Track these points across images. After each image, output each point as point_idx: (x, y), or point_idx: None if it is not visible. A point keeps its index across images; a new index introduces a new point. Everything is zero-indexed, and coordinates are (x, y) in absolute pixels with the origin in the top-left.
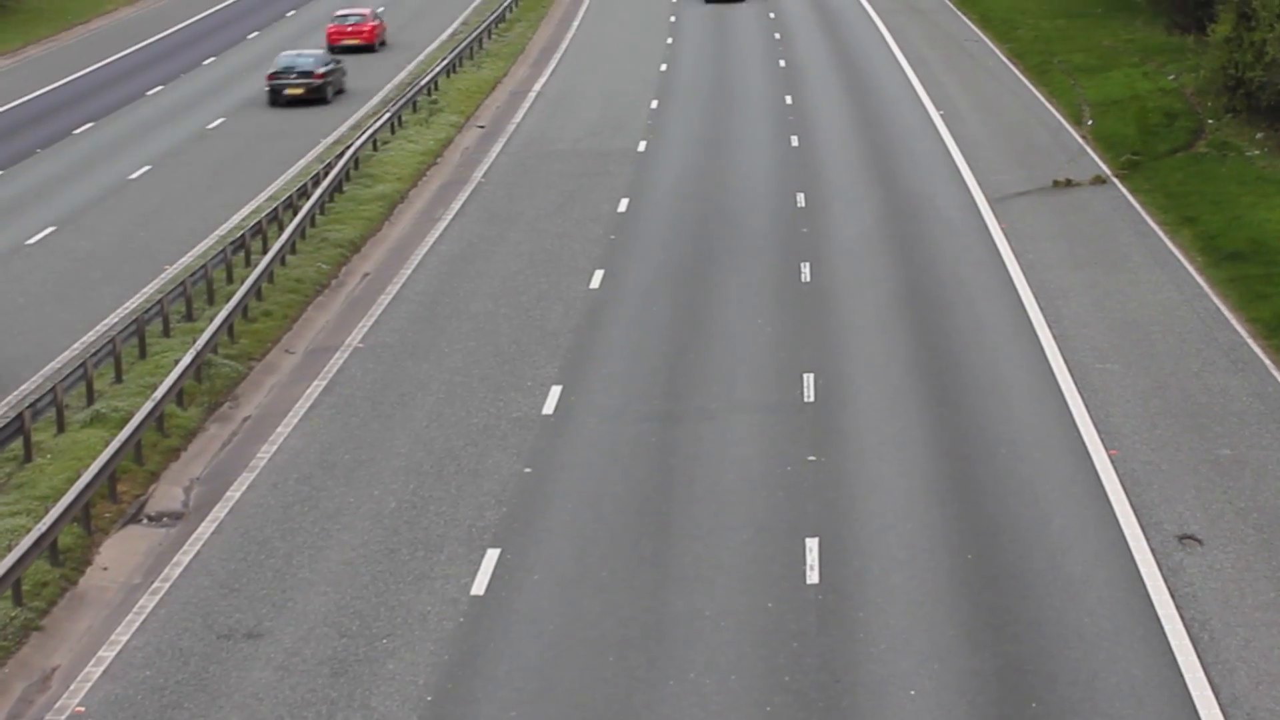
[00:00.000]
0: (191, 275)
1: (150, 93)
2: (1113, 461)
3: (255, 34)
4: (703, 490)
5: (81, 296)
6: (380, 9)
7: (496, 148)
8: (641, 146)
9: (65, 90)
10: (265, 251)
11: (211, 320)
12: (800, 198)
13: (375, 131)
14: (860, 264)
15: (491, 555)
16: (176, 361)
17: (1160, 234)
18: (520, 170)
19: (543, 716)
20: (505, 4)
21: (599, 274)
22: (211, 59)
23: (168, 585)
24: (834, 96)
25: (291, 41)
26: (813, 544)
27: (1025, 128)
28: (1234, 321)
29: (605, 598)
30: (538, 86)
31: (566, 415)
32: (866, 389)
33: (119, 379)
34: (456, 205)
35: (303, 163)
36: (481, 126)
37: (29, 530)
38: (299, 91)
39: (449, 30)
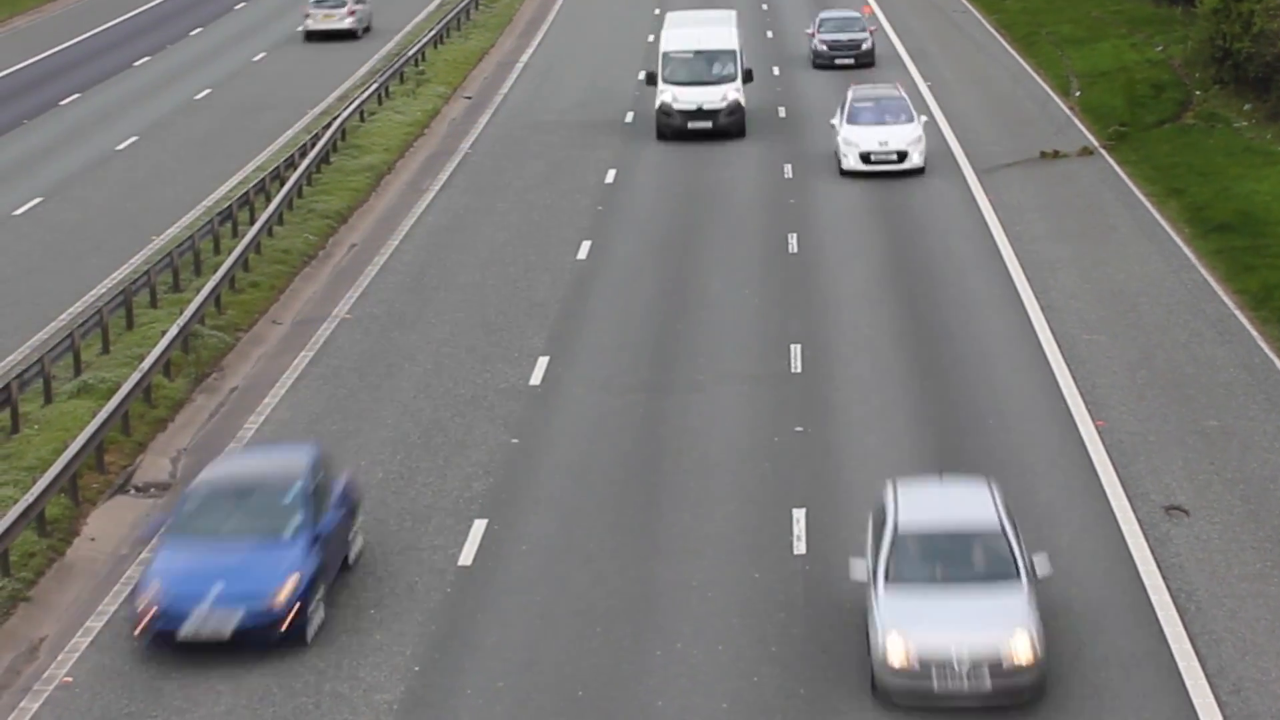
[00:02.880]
0: (178, 246)
1: (138, 64)
2: (1100, 432)
3: (242, 4)
4: (690, 461)
5: (68, 267)
6: None
7: (484, 119)
8: (629, 118)
9: (52, 61)
10: (252, 222)
11: (199, 291)
12: (788, 169)
13: (362, 102)
14: (848, 235)
15: (479, 526)
16: (164, 332)
17: (1148, 205)
18: (507, 141)
19: (530, 687)
20: None
21: (586, 245)
22: (199, 30)
23: None
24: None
25: (280, 10)
26: (800, 515)
27: (1013, 99)
28: (1221, 293)
29: (592, 568)
30: (525, 58)
31: (554, 386)
32: (853, 360)
33: (106, 350)
34: (444, 176)
35: (290, 134)
36: (469, 98)
37: (16, 501)
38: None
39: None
